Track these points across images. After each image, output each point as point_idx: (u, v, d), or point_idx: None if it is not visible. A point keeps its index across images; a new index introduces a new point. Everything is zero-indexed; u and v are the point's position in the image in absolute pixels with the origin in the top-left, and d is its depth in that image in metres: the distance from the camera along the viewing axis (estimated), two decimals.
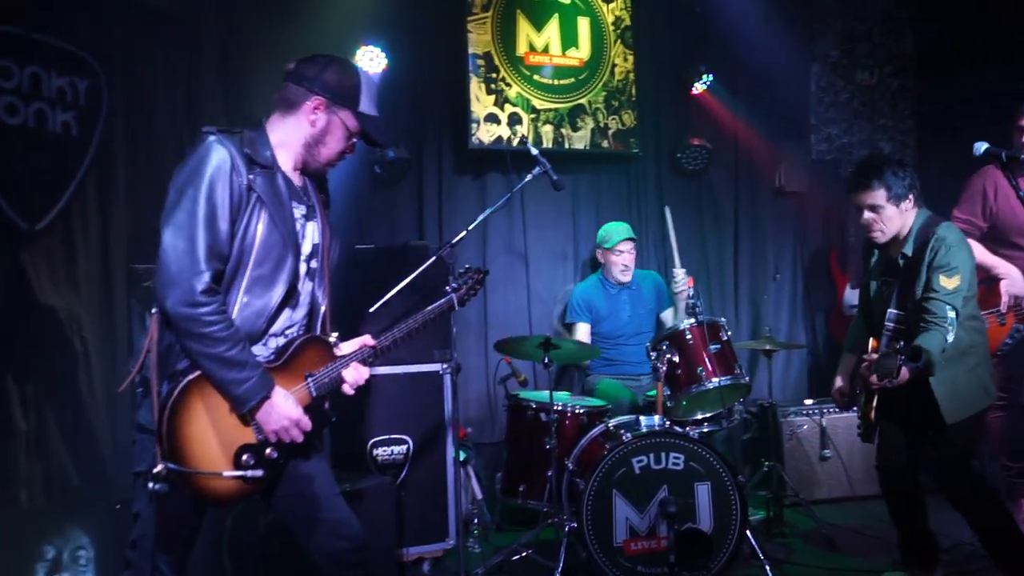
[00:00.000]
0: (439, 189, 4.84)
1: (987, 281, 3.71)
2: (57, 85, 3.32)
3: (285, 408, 2.17)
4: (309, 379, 2.28)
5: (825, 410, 4.78)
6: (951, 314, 2.97)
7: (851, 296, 5.53)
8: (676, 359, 3.70)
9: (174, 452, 2.04)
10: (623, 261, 4.58)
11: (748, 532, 3.45)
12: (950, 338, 2.96)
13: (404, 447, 3.88)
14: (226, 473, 2.11)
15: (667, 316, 4.74)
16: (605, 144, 5.00)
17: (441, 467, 3.93)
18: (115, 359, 3.49)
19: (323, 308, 2.40)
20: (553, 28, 4.93)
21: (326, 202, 2.45)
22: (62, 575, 3.01)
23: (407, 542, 3.75)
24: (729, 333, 3.81)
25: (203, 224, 2.06)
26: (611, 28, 5.05)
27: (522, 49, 4.85)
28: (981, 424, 3.29)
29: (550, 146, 4.83)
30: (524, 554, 3.76)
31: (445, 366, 3.98)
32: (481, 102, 4.73)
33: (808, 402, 4.90)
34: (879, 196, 3.10)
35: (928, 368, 2.95)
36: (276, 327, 2.27)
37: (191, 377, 2.08)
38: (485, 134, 4.74)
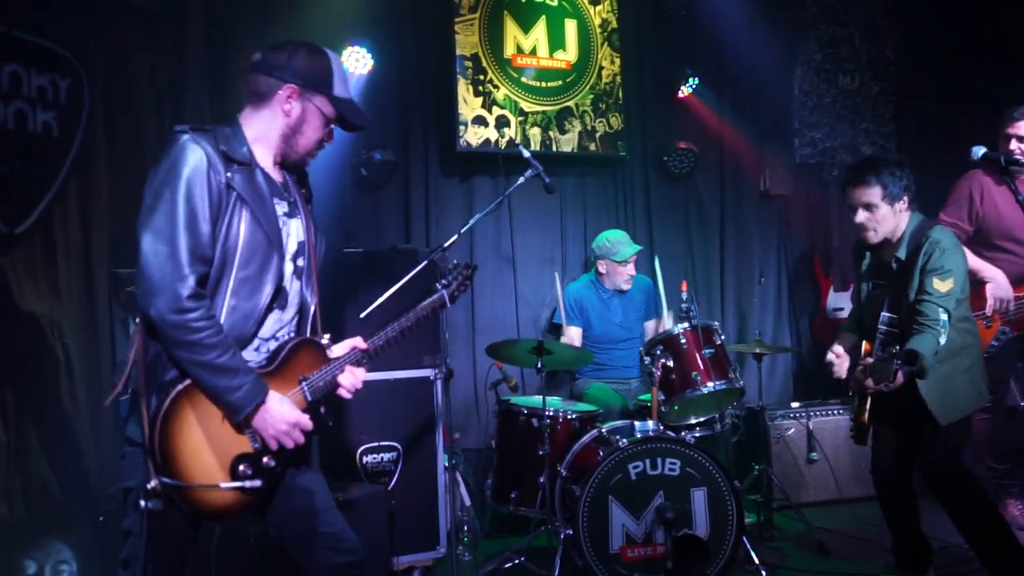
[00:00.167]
0: (426, 192, 4.78)
1: (973, 284, 3.74)
2: (38, 84, 3.22)
3: (282, 412, 2.10)
4: (303, 383, 2.21)
5: (812, 413, 4.80)
6: (943, 317, 2.98)
7: (835, 299, 5.57)
8: (670, 363, 3.67)
9: (167, 466, 1.96)
10: (630, 272, 4.59)
11: (744, 538, 3.44)
12: (942, 340, 2.97)
13: (394, 454, 3.82)
14: (223, 485, 2.04)
15: (649, 326, 4.72)
16: (592, 147, 4.98)
17: (431, 474, 3.88)
18: (98, 367, 3.39)
19: (312, 308, 2.32)
20: (540, 30, 4.90)
21: (308, 197, 2.37)
22: None
23: (397, 551, 3.69)
24: (723, 337, 3.80)
25: (183, 227, 1.98)
26: (598, 31, 5.03)
27: (510, 51, 4.81)
28: (969, 425, 3.31)
29: (538, 149, 4.80)
30: (516, 562, 3.72)
31: (436, 371, 3.93)
32: (469, 104, 4.68)
33: (795, 405, 4.91)
34: (874, 194, 3.11)
35: (921, 371, 2.95)
36: (265, 330, 2.19)
37: (181, 387, 2.01)
38: (473, 136, 4.69)
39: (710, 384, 3.66)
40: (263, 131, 2.20)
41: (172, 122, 3.74)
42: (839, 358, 3.27)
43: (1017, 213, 3.91)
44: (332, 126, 2.27)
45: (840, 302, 5.56)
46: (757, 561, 3.49)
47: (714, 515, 3.37)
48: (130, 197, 3.55)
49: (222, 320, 2.06)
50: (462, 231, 3.52)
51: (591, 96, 4.98)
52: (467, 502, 4.28)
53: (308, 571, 2.26)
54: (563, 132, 4.91)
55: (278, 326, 2.23)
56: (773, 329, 5.56)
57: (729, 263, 5.48)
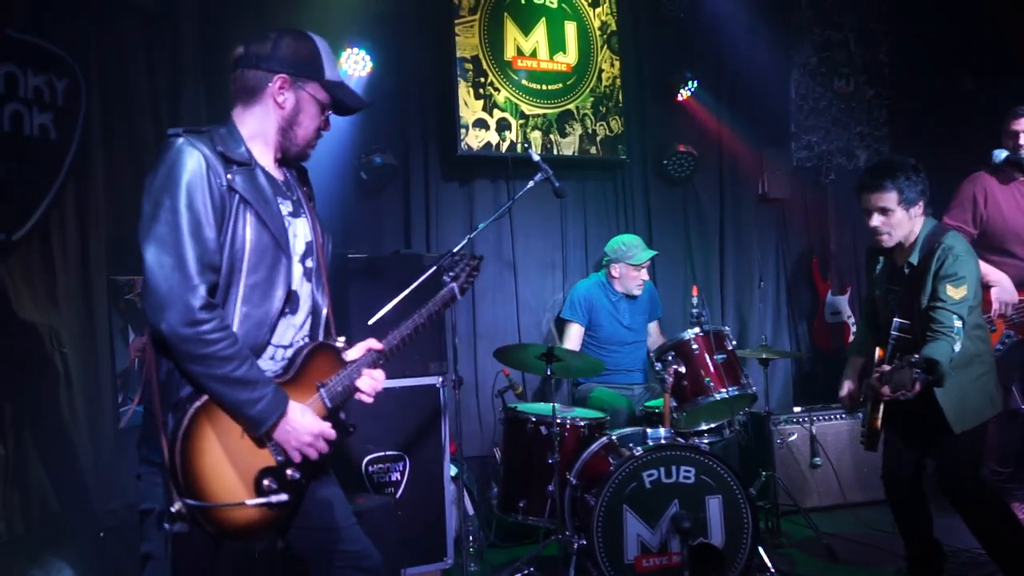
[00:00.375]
0: (426, 195, 4.71)
1: None
2: (34, 84, 3.10)
3: (305, 423, 2.02)
4: (321, 389, 2.13)
5: (815, 418, 4.78)
6: (957, 324, 2.96)
7: (833, 303, 5.57)
8: (682, 369, 3.63)
9: (190, 487, 1.87)
10: (644, 277, 4.57)
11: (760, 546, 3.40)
12: (957, 348, 2.95)
13: (400, 464, 3.75)
14: (249, 502, 1.96)
15: (652, 327, 4.69)
16: (593, 150, 4.93)
17: (437, 483, 3.82)
18: (97, 377, 3.29)
19: (325, 310, 2.23)
20: (541, 32, 4.84)
21: (310, 195, 2.28)
22: None
23: (404, 562, 3.62)
24: (734, 342, 3.76)
25: (188, 235, 1.88)
26: (598, 33, 4.98)
27: (510, 53, 4.75)
28: (986, 432, 3.30)
29: (539, 152, 4.73)
30: (526, 572, 3.65)
31: (442, 379, 3.86)
32: (469, 107, 4.62)
33: (797, 410, 4.89)
34: (890, 199, 3.07)
35: (939, 379, 2.93)
36: (279, 336, 2.10)
37: (198, 404, 1.91)
38: (474, 140, 4.62)
39: (723, 390, 3.62)
40: (259, 128, 2.10)
41: (170, 124, 3.65)
42: (852, 400, 3.38)
43: (1021, 216, 3.94)
44: (328, 112, 2.18)
45: (838, 306, 5.57)
46: (773, 570, 3.45)
47: (729, 523, 3.32)
48: (128, 201, 3.47)
49: (235, 329, 1.97)
50: (471, 235, 3.49)
51: (591, 99, 4.93)
52: (470, 511, 4.21)
53: None
54: (564, 135, 4.86)
55: (291, 332, 2.14)
56: (772, 333, 5.55)
57: (729, 267, 5.45)
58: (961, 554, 3.69)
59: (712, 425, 3.86)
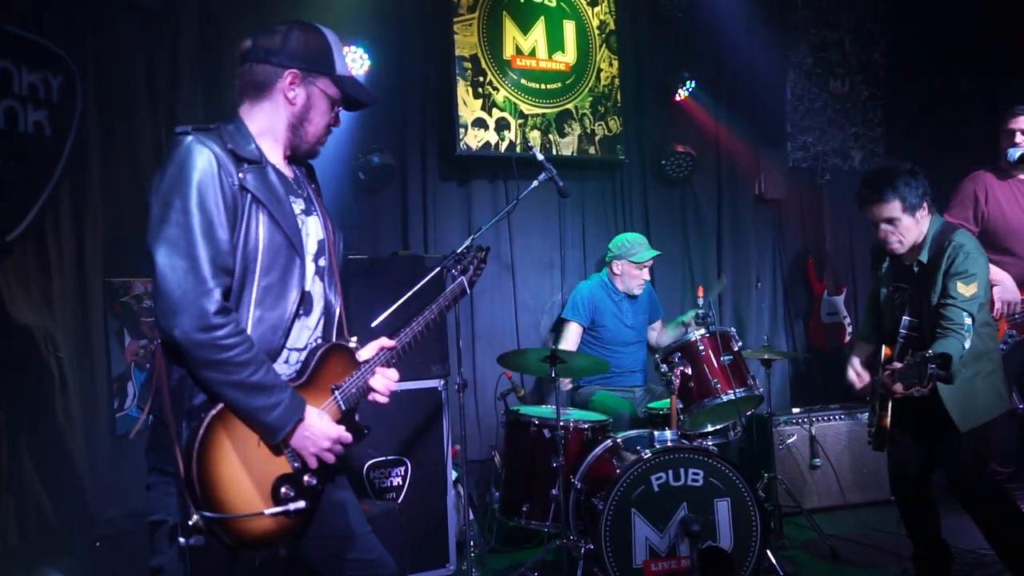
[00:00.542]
0: (423, 195, 4.65)
1: None
2: (29, 81, 3.02)
3: (323, 428, 1.97)
4: (336, 392, 2.07)
5: (814, 418, 4.77)
6: (968, 321, 2.95)
7: (829, 304, 5.57)
8: (688, 371, 3.59)
9: (207, 498, 1.80)
10: (645, 276, 4.53)
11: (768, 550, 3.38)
12: (967, 345, 2.94)
13: (402, 469, 3.69)
14: (268, 511, 1.89)
15: (653, 328, 4.67)
16: (592, 151, 4.89)
17: (439, 489, 3.77)
18: (93, 382, 3.20)
19: (338, 310, 2.17)
20: (539, 31, 4.80)
21: (319, 192, 2.22)
22: None
23: (406, 569, 3.55)
24: (740, 343, 3.73)
25: (201, 236, 1.81)
26: (596, 32, 4.95)
27: (509, 52, 4.70)
28: (992, 431, 3.29)
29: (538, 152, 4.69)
30: None
31: (443, 382, 3.81)
32: (468, 106, 4.56)
33: (796, 410, 4.88)
34: (894, 208, 3.05)
35: (949, 376, 2.92)
36: (293, 339, 2.04)
37: (214, 412, 1.84)
38: (473, 139, 4.57)
39: (730, 392, 3.59)
40: (268, 124, 2.03)
41: (167, 122, 3.59)
42: (860, 377, 3.26)
43: (1021, 214, 3.95)
44: (338, 108, 2.12)
45: (834, 306, 5.57)
46: (781, 573, 3.42)
47: (738, 526, 3.30)
48: (124, 201, 3.39)
49: (249, 334, 1.91)
50: (475, 235, 3.43)
51: (590, 99, 4.90)
52: (470, 515, 4.16)
53: None
54: (563, 135, 4.82)
55: (306, 334, 2.08)
56: (769, 333, 5.53)
57: (726, 267, 5.43)
58: (966, 555, 3.68)
59: (717, 427, 3.83)
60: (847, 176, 5.74)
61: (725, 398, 3.59)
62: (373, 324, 3.20)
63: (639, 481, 3.25)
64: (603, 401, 4.24)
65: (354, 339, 2.20)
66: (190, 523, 1.76)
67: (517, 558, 4.06)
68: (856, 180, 5.53)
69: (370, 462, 3.61)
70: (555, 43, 4.83)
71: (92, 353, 3.23)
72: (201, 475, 1.80)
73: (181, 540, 1.77)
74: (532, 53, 4.77)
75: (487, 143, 4.61)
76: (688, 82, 5.15)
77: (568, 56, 4.86)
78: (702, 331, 3.65)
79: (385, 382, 2.17)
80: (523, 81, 4.72)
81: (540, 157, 3.47)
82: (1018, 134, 3.90)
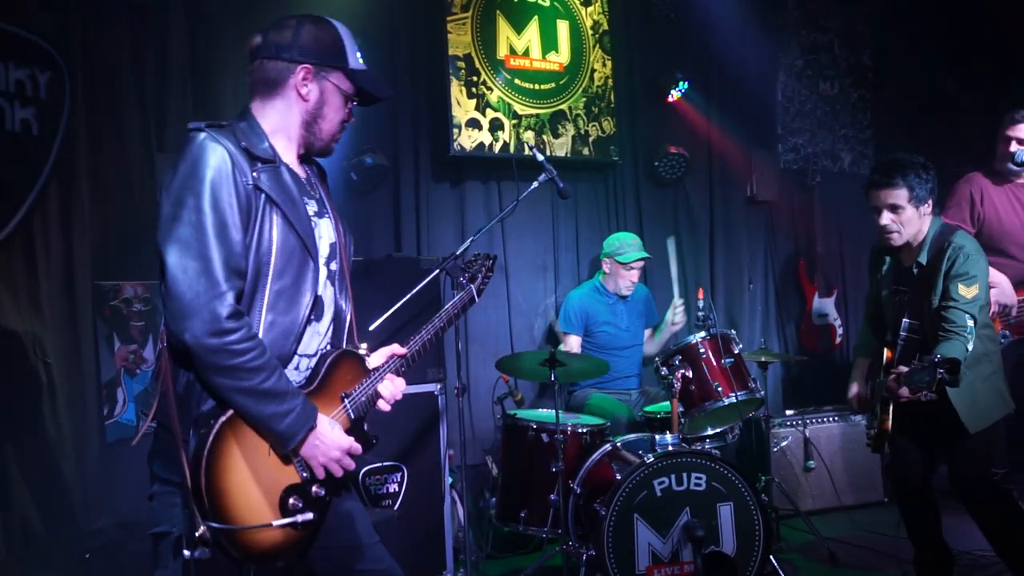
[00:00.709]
0: (416, 196, 4.58)
1: None
2: (15, 77, 2.93)
3: (333, 438, 1.91)
4: (346, 400, 2.01)
5: (808, 420, 4.76)
6: (970, 323, 2.94)
7: (820, 306, 5.58)
8: (689, 374, 3.56)
9: (215, 509, 1.74)
10: (632, 278, 4.48)
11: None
12: (970, 347, 2.93)
13: (398, 475, 3.62)
14: (276, 523, 1.83)
15: (648, 334, 4.63)
16: (586, 151, 4.85)
17: (435, 494, 3.71)
18: (82, 388, 3.11)
19: (348, 316, 2.11)
20: (533, 31, 4.75)
21: (328, 193, 2.15)
22: None
23: None
24: (740, 346, 3.70)
25: (213, 237, 1.75)
26: (590, 32, 4.90)
27: (503, 52, 4.65)
28: (996, 433, 3.29)
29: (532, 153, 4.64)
30: None
31: (440, 386, 3.74)
32: (462, 107, 4.50)
33: (789, 413, 4.87)
34: (901, 196, 3.05)
35: (955, 380, 2.90)
36: (304, 346, 1.97)
37: (224, 419, 1.78)
38: (466, 140, 4.51)
39: (732, 395, 3.56)
40: (281, 122, 1.96)
41: (156, 121, 3.50)
42: (860, 401, 3.33)
43: (1016, 217, 3.96)
44: (352, 103, 2.06)
45: (825, 308, 5.58)
46: None
47: (740, 531, 3.27)
48: (113, 200, 3.29)
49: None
50: (475, 237, 3.41)
51: (584, 99, 4.85)
52: (462, 521, 4.10)
53: None
54: (556, 136, 4.77)
55: (316, 340, 2.02)
56: (761, 335, 5.52)
57: (719, 269, 5.41)
58: (964, 556, 3.68)
59: (717, 430, 3.80)
60: (837, 178, 5.76)
61: (727, 401, 3.56)
62: (371, 328, 3.15)
63: (641, 486, 3.21)
64: (599, 405, 4.19)
65: (364, 345, 2.14)
66: (197, 534, 1.70)
67: (513, 564, 4.02)
68: (846, 182, 5.67)
69: (366, 468, 3.54)
70: (549, 43, 4.78)
71: (81, 358, 3.14)
72: (209, 485, 1.74)
73: (186, 553, 1.70)
74: (526, 53, 4.72)
75: (481, 144, 4.55)
76: (680, 83, 5.12)
77: (562, 56, 4.82)
78: (703, 334, 3.61)
79: (392, 390, 2.11)
80: (517, 81, 4.67)
81: (541, 158, 3.43)
82: (1014, 143, 3.89)
